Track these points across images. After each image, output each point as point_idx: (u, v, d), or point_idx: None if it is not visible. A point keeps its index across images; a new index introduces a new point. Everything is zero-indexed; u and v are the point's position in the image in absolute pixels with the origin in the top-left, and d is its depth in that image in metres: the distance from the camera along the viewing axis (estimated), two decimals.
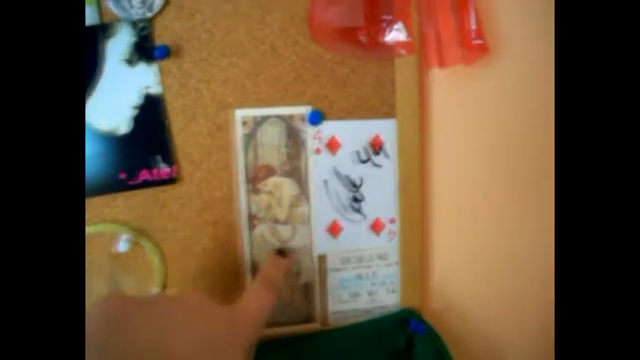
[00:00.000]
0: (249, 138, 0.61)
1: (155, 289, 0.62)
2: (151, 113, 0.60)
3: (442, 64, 0.61)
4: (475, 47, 0.61)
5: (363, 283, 0.65)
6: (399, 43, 0.61)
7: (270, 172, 0.62)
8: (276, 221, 0.63)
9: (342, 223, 0.64)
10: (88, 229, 0.59)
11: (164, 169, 0.60)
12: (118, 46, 0.58)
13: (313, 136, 0.62)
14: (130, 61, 0.59)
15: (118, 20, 0.58)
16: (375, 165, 0.63)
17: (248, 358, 0.49)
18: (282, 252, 0.62)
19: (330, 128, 0.62)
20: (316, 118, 0.62)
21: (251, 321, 0.51)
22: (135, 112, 0.59)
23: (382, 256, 0.65)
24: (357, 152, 0.63)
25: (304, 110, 0.62)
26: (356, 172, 0.63)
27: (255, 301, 0.53)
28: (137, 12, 0.58)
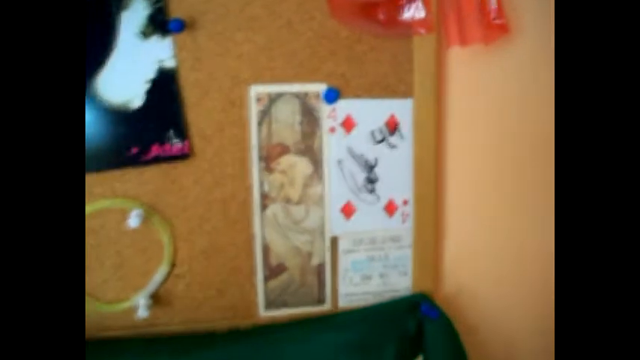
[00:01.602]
0: (263, 115, 0.60)
1: (164, 268, 0.61)
2: (165, 87, 0.58)
3: (463, 41, 0.59)
4: (495, 27, 0.60)
5: (375, 265, 0.64)
6: (417, 21, 0.60)
7: (283, 150, 0.61)
8: (289, 201, 0.62)
9: (356, 204, 0.63)
10: (100, 204, 0.58)
11: (176, 144, 0.59)
12: (132, 18, 0.57)
13: (328, 114, 0.61)
14: (145, 34, 0.58)
15: None
16: (391, 145, 0.62)
17: None
18: None
19: (345, 107, 0.61)
20: (332, 96, 0.60)
21: None
22: (148, 86, 0.58)
23: (395, 239, 0.64)
24: (373, 132, 0.62)
25: (320, 88, 0.61)
26: (371, 152, 0.62)
27: None
28: None
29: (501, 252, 0.68)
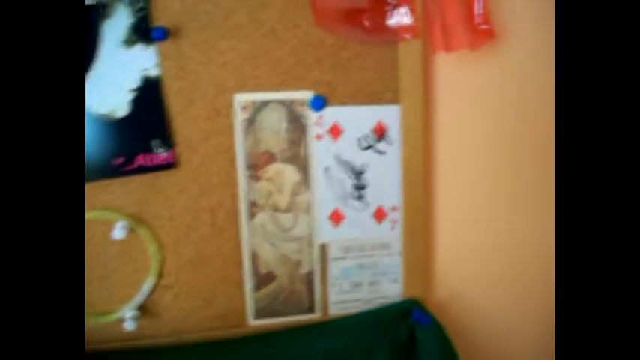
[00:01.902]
0: (249, 123, 0.60)
1: (151, 279, 0.60)
2: (149, 96, 0.58)
3: (448, 47, 0.59)
4: (481, 32, 0.60)
5: (365, 272, 0.64)
6: (403, 27, 0.60)
7: (270, 158, 0.61)
8: (277, 209, 0.61)
9: (344, 211, 0.62)
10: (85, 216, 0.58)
11: (161, 154, 0.59)
12: (115, 27, 0.56)
13: (315, 121, 0.61)
14: (128, 43, 0.57)
15: (115, 0, 0.56)
16: (378, 152, 0.62)
17: None
18: None
19: (332, 114, 0.61)
20: (318, 103, 0.60)
21: None
22: (132, 95, 0.58)
23: (384, 246, 0.64)
24: (360, 139, 0.61)
25: (305, 95, 0.60)
26: (358, 159, 0.62)
27: None
28: None
29: (492, 255, 0.68)
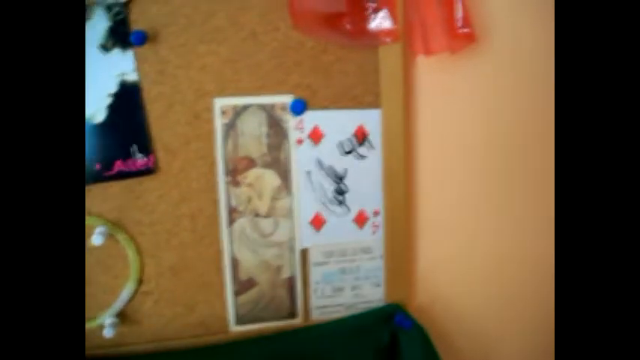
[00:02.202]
0: (229, 128, 0.59)
1: (130, 285, 0.60)
2: (128, 101, 0.57)
3: (427, 51, 0.59)
4: (461, 36, 0.60)
5: (347, 277, 0.64)
6: (383, 31, 0.60)
7: (250, 163, 0.60)
8: (257, 215, 0.61)
9: (326, 215, 0.62)
10: None
11: (140, 159, 0.58)
12: (93, 31, 0.56)
13: (295, 126, 0.60)
14: (105, 47, 0.56)
15: (92, 4, 0.55)
16: (360, 156, 0.61)
17: None
18: None
19: (312, 118, 0.60)
20: (299, 107, 0.60)
21: None
22: (110, 100, 0.57)
23: (366, 250, 0.63)
24: (341, 143, 0.61)
25: (286, 99, 0.60)
26: (340, 163, 0.61)
27: None
28: None
29: (475, 259, 0.68)
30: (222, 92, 0.59)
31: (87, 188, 0.57)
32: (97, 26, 0.56)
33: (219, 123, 0.59)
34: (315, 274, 0.63)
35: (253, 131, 0.60)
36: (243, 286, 0.62)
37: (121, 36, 0.56)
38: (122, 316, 0.60)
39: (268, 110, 0.60)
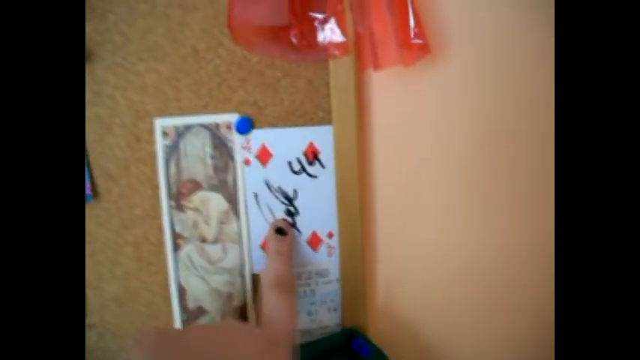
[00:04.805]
0: (171, 150, 0.56)
1: None
2: None
3: (377, 65, 0.56)
4: (415, 47, 0.57)
5: (302, 302, 0.61)
6: (332, 44, 0.57)
7: (195, 186, 0.57)
8: (204, 240, 0.58)
9: None
10: None
11: None
12: None
13: (242, 145, 0.57)
14: None
15: None
16: (310, 176, 0.58)
17: None
18: (281, 231, 0.57)
19: (260, 137, 0.57)
20: (244, 126, 0.57)
21: (283, 333, 0.49)
22: None
23: (321, 273, 0.61)
24: (290, 162, 0.58)
25: (231, 118, 0.57)
26: (289, 183, 0.58)
27: (281, 313, 0.51)
28: None
29: (437, 280, 0.65)
30: (164, 112, 0.56)
31: None
32: None
33: (160, 145, 0.56)
34: None
35: (197, 152, 0.57)
36: (192, 315, 0.59)
37: None
38: None
39: (213, 130, 0.57)
